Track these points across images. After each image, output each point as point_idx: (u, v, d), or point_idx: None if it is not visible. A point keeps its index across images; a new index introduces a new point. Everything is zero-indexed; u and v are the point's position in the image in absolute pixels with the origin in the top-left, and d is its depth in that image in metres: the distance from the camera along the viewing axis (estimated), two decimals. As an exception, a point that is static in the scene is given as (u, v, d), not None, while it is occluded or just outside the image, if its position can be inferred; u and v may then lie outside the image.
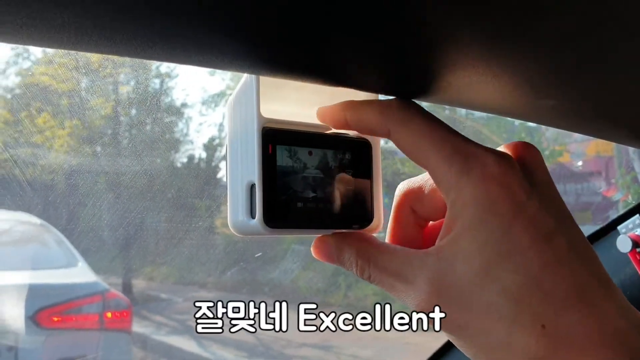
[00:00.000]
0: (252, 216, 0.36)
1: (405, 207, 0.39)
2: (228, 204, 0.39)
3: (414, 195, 0.38)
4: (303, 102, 0.41)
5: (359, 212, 0.39)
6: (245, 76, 0.38)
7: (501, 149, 0.36)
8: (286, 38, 0.31)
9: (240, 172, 0.38)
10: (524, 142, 0.36)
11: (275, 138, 0.36)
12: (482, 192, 0.31)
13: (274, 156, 0.36)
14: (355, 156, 0.39)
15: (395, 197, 0.39)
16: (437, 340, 1.05)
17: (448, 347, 1.05)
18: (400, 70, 0.36)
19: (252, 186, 0.36)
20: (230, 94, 0.40)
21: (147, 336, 3.17)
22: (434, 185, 0.36)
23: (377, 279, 0.35)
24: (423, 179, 0.39)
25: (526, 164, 0.34)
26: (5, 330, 1.93)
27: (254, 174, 0.36)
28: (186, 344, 3.11)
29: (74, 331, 2.12)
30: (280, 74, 0.35)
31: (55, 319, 2.06)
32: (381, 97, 0.41)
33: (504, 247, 0.30)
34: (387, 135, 0.36)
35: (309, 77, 0.36)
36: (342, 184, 0.38)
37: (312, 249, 0.39)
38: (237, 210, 0.38)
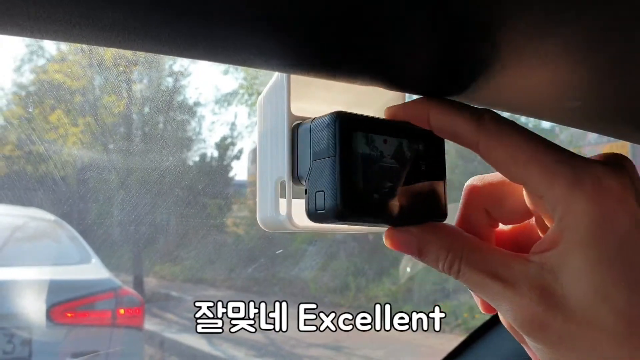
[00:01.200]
0: (281, 212, 0.37)
1: (478, 206, 0.37)
2: (257, 199, 0.40)
3: (489, 195, 0.37)
4: (332, 101, 0.41)
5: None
6: (275, 75, 0.38)
7: (598, 159, 0.33)
8: (318, 38, 0.32)
9: (269, 168, 0.38)
10: (621, 154, 0.34)
11: None
12: (596, 207, 0.30)
13: None
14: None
15: (465, 194, 0.38)
16: (450, 343, 1.05)
17: (460, 350, 1.05)
18: (429, 70, 0.37)
19: (282, 183, 0.37)
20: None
21: (159, 334, 3.19)
22: (516, 187, 0.35)
23: (467, 276, 0.33)
24: (499, 178, 0.36)
25: (633, 179, 0.32)
26: (19, 325, 1.95)
27: (284, 171, 0.37)
28: (197, 342, 3.12)
29: (87, 327, 2.14)
30: (311, 73, 0.36)
31: (69, 314, 2.08)
32: (408, 96, 0.41)
33: (619, 265, 0.29)
34: (475, 147, 0.34)
35: (339, 76, 0.37)
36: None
37: (385, 238, 0.36)
38: (265, 206, 0.39)
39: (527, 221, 0.37)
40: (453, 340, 1.09)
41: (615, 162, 0.32)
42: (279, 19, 0.28)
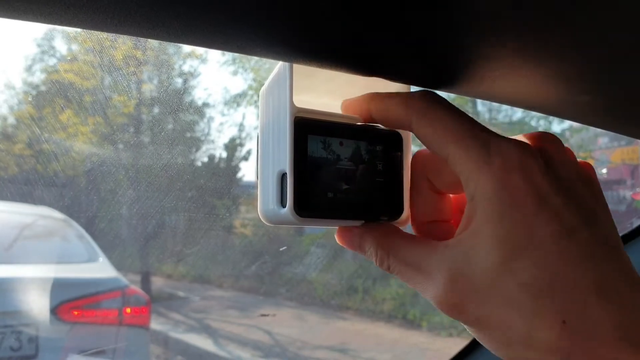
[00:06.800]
0: (283, 205, 0.36)
1: (420, 174, 0.38)
2: (258, 192, 0.39)
3: (428, 164, 0.38)
4: (335, 93, 0.41)
5: (388, 204, 0.39)
6: (278, 65, 0.38)
7: (521, 138, 0.34)
8: (321, 27, 0.31)
9: (271, 161, 0.38)
10: (546, 132, 0.35)
11: (307, 128, 0.36)
12: (502, 184, 0.31)
13: (306, 145, 0.36)
14: (387, 148, 0.39)
15: (411, 168, 0.39)
16: (457, 347, 1.05)
17: (466, 352, 1.04)
18: (435, 61, 0.36)
19: (283, 175, 0.36)
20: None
21: (165, 333, 3.20)
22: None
23: (396, 270, 0.35)
24: None
25: (549, 156, 0.33)
26: (27, 322, 1.96)
27: (285, 163, 0.36)
28: (203, 342, 3.12)
29: (93, 325, 2.14)
30: (314, 62, 0.35)
31: (76, 312, 2.08)
32: (413, 88, 0.41)
33: (524, 241, 0.30)
34: (409, 127, 0.35)
35: (342, 67, 0.36)
36: (373, 176, 0.38)
37: (336, 235, 0.39)
38: (267, 199, 0.38)
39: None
40: (460, 344, 1.08)
41: (531, 139, 0.34)
42: (282, 6, 0.28)
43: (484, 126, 0.34)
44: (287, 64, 0.36)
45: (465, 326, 0.33)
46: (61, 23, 0.25)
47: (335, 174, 0.37)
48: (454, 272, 0.31)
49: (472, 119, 0.34)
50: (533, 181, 0.31)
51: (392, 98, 0.36)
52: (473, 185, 0.31)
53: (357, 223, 0.38)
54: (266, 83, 0.40)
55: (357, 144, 0.38)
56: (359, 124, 0.39)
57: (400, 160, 0.40)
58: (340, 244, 0.39)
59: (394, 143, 0.40)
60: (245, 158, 3.75)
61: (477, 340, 0.33)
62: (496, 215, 0.30)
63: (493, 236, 0.30)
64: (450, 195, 0.39)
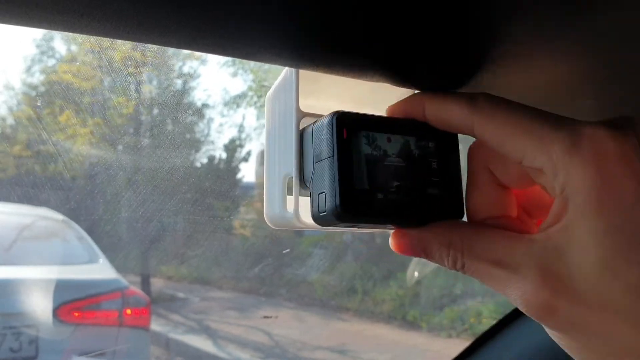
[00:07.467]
0: (289, 208, 0.37)
1: (480, 166, 0.34)
2: (264, 196, 0.39)
3: (492, 156, 0.33)
4: (341, 97, 0.41)
5: (446, 207, 0.35)
6: (284, 70, 0.38)
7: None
8: (327, 33, 0.31)
9: (277, 164, 0.38)
10: (628, 116, 0.31)
11: (350, 123, 0.34)
12: (598, 172, 0.27)
13: (349, 142, 0.33)
14: (441, 146, 0.36)
15: (469, 158, 0.35)
16: (456, 348, 1.05)
17: (465, 355, 1.04)
18: (441, 66, 0.37)
19: (289, 179, 0.37)
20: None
21: (165, 335, 3.20)
22: None
23: (473, 268, 0.31)
24: None
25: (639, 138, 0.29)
26: (27, 323, 1.95)
27: (292, 167, 0.36)
28: (203, 343, 3.12)
29: (94, 326, 2.14)
30: (320, 68, 0.36)
31: (76, 314, 2.08)
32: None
33: (628, 236, 0.26)
34: (470, 132, 0.32)
35: (348, 72, 0.37)
36: (428, 175, 0.35)
37: (391, 243, 0.34)
38: (273, 202, 0.38)
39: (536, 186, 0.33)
40: (459, 345, 1.08)
41: (619, 124, 0.30)
42: (290, 12, 0.28)
43: (560, 115, 0.31)
44: (293, 69, 0.37)
45: (553, 332, 0.29)
46: (74, 30, 0.26)
47: (384, 172, 0.33)
48: (545, 268, 0.28)
49: (544, 112, 0.31)
50: (631, 166, 0.27)
51: (453, 98, 0.33)
52: (563, 176, 0.28)
53: (389, 230, 0.35)
54: (272, 88, 0.40)
55: (405, 139, 0.35)
56: (404, 118, 0.36)
57: (458, 158, 0.36)
58: (397, 252, 0.34)
59: (449, 140, 0.36)
60: (245, 159, 3.75)
61: (565, 349, 0.29)
62: (593, 207, 0.27)
63: (590, 231, 0.27)
64: (512, 189, 0.35)
